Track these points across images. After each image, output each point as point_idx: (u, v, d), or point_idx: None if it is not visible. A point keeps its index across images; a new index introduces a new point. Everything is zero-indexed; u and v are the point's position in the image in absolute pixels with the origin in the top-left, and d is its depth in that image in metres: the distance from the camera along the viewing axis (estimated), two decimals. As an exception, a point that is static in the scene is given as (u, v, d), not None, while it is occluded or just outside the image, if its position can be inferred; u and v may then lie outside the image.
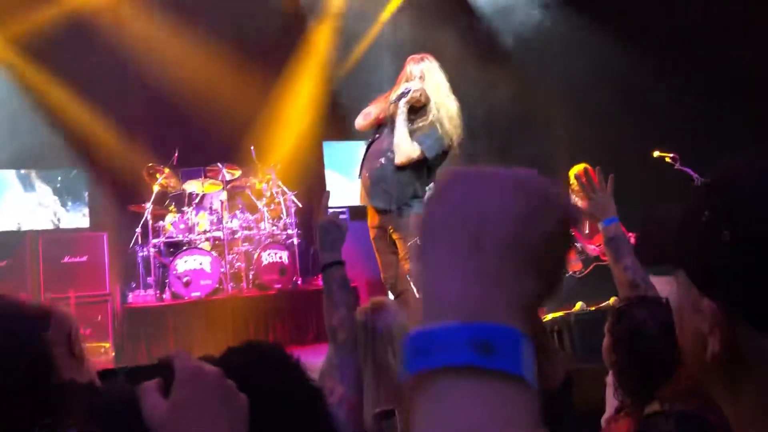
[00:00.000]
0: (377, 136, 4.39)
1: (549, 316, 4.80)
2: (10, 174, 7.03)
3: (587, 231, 5.71)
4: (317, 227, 1.98)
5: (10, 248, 6.58)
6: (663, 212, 1.75)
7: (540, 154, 9.03)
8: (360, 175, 4.44)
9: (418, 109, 4.24)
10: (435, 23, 8.41)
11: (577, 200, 5.61)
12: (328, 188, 7.67)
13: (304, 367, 1.27)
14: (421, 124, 4.19)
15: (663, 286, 2.10)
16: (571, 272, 5.74)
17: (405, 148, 4.11)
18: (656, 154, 5.66)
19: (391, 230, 4.21)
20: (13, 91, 7.31)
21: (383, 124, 4.37)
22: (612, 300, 4.58)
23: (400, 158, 4.13)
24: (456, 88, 4.42)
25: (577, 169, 5.66)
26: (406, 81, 4.23)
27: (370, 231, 4.40)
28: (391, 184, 4.20)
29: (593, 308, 5.00)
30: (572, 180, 5.71)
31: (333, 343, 1.94)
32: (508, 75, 8.51)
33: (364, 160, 4.43)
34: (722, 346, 0.67)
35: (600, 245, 5.58)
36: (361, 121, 4.48)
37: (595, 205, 2.20)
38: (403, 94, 4.13)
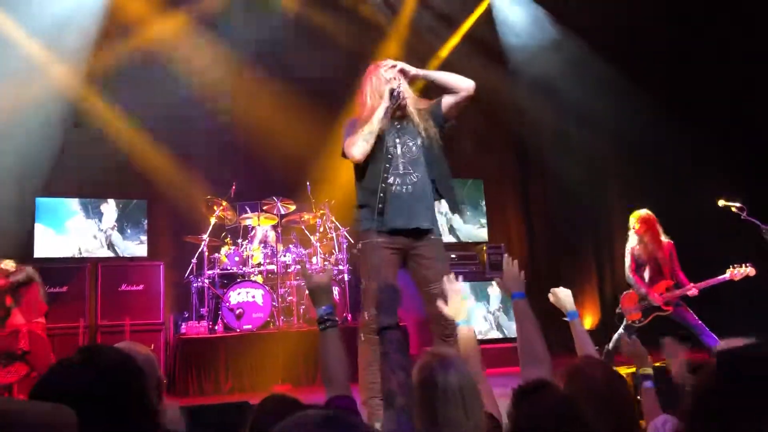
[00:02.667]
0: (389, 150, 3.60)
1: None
2: (74, 202, 7.25)
3: (648, 279, 5.55)
4: (371, 289, 1.94)
5: (70, 274, 6.75)
6: None
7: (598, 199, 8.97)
8: (384, 191, 3.53)
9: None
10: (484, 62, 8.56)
11: (642, 245, 5.49)
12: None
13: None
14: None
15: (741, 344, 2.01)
16: (630, 321, 5.56)
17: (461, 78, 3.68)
18: (721, 203, 5.49)
19: (418, 253, 3.57)
20: (82, 122, 7.57)
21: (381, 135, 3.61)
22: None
23: (469, 83, 3.68)
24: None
25: (641, 213, 5.56)
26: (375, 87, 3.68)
27: (377, 253, 3.51)
28: (431, 198, 3.65)
29: (657, 364, 4.80)
30: (634, 224, 5.60)
31: (390, 408, 1.84)
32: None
33: (385, 173, 3.55)
34: None
35: (663, 294, 5.41)
36: (365, 147, 3.53)
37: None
38: (394, 90, 3.58)
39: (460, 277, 2.56)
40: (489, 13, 9.34)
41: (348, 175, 8.40)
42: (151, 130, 7.76)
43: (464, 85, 3.70)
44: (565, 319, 2.57)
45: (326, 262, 7.33)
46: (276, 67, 8.14)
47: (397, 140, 3.61)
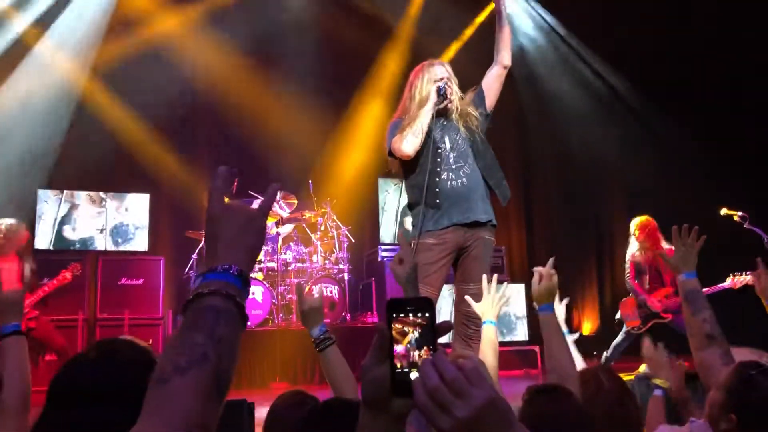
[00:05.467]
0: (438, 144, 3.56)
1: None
2: (76, 195, 7.25)
3: (647, 286, 5.54)
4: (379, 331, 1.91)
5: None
6: None
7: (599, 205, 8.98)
8: (438, 185, 3.47)
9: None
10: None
11: (642, 252, 5.48)
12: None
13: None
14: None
15: (746, 355, 2.02)
16: (629, 328, 5.55)
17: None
18: (724, 212, 5.47)
19: (468, 248, 3.47)
20: (87, 115, 7.58)
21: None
22: (642, 368, 4.33)
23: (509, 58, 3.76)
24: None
25: (641, 220, 5.54)
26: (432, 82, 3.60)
27: (427, 255, 3.40)
28: (484, 189, 3.56)
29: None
30: (634, 230, 5.59)
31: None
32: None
33: (437, 166, 3.50)
34: None
35: (661, 300, 5.40)
36: (416, 142, 3.46)
37: (680, 257, 2.24)
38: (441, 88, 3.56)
39: (505, 282, 2.53)
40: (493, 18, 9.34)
41: (350, 173, 8.47)
42: (155, 124, 7.76)
43: (509, 53, 3.79)
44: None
45: (326, 260, 7.33)
46: (281, 64, 8.14)
47: (446, 136, 3.58)
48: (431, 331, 0.84)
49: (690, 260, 2.22)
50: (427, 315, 0.84)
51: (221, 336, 0.86)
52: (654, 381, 2.45)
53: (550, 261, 2.34)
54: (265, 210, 1.04)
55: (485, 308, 2.48)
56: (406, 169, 3.64)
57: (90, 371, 1.21)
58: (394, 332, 0.85)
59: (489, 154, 3.64)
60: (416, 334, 0.84)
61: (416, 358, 0.83)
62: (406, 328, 0.84)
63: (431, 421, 0.78)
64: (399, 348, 0.84)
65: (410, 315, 0.85)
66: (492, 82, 3.75)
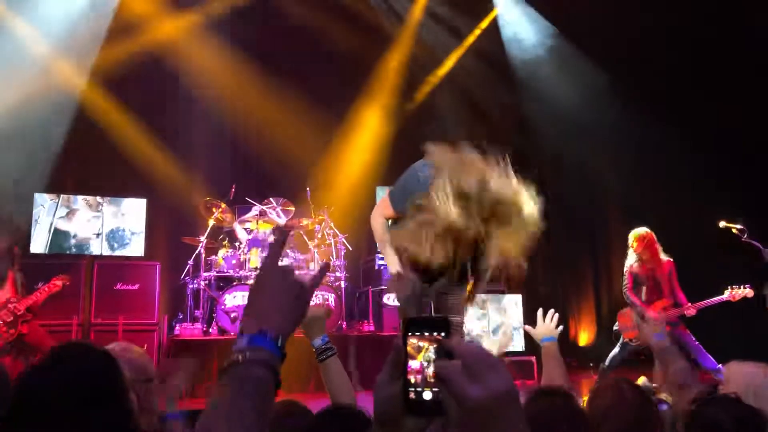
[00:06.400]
0: None
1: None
2: (72, 199, 7.22)
3: (645, 297, 5.52)
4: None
5: (66, 271, 6.69)
6: None
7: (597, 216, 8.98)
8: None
9: None
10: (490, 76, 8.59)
11: (640, 263, 5.47)
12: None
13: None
14: None
15: (746, 369, 2.00)
16: (626, 340, 5.53)
17: None
18: (722, 224, 5.47)
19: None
20: (85, 119, 7.57)
21: None
22: (641, 380, 4.33)
23: None
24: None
25: (639, 232, 5.53)
26: None
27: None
28: None
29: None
30: (632, 242, 5.57)
31: None
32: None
33: None
34: None
35: (659, 312, 5.38)
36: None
37: (647, 329, 2.49)
38: None
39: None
40: (495, 25, 9.39)
41: (348, 181, 8.45)
42: (153, 129, 7.74)
43: None
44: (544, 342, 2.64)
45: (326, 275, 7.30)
46: (280, 71, 8.14)
47: None
48: (446, 349, 0.83)
49: (657, 327, 2.45)
50: (443, 334, 0.84)
51: (265, 410, 0.95)
52: (658, 396, 2.47)
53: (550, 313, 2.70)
54: (315, 285, 1.09)
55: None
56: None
57: (40, 382, 1.16)
58: (409, 348, 0.84)
59: None
60: (431, 353, 0.83)
61: (430, 376, 0.82)
62: (421, 344, 0.84)
63: (459, 389, 0.76)
64: (414, 364, 0.83)
65: (426, 333, 0.84)
66: None
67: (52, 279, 5.48)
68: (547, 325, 2.67)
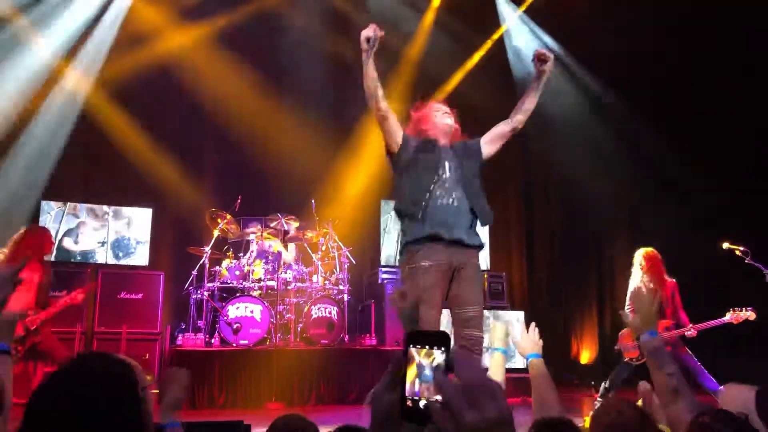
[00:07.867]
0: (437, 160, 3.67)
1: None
2: (78, 207, 7.28)
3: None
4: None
5: (70, 279, 6.73)
6: None
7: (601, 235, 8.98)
8: (428, 201, 3.56)
9: None
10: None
11: (645, 284, 5.46)
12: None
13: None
14: None
15: (743, 393, 2.01)
16: (627, 359, 5.52)
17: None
18: (726, 246, 5.47)
19: (460, 271, 3.56)
20: (92, 129, 7.63)
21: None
22: (641, 383, 4.32)
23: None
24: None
25: (647, 251, 5.53)
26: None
27: (427, 276, 3.47)
28: (471, 217, 3.68)
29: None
30: (641, 261, 5.56)
31: None
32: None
33: (431, 183, 3.60)
34: None
35: (661, 333, 5.38)
36: (366, 81, 3.91)
37: (640, 319, 2.34)
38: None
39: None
40: (502, 43, 9.45)
41: (353, 194, 8.49)
42: (160, 140, 7.80)
43: (525, 118, 3.90)
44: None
45: (326, 280, 7.33)
46: (286, 84, 8.20)
47: (446, 162, 3.68)
48: (445, 364, 0.87)
49: (650, 321, 2.31)
50: (443, 348, 0.88)
51: None
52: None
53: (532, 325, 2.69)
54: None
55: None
56: (401, 183, 3.73)
57: (57, 392, 1.15)
58: (410, 359, 0.88)
59: (477, 183, 3.75)
60: (431, 365, 0.87)
61: (427, 388, 0.86)
62: (421, 356, 0.88)
63: (456, 410, 0.79)
64: (412, 374, 0.87)
65: (426, 347, 0.88)
66: (496, 138, 3.86)
67: (75, 291, 5.43)
68: (531, 338, 2.63)
